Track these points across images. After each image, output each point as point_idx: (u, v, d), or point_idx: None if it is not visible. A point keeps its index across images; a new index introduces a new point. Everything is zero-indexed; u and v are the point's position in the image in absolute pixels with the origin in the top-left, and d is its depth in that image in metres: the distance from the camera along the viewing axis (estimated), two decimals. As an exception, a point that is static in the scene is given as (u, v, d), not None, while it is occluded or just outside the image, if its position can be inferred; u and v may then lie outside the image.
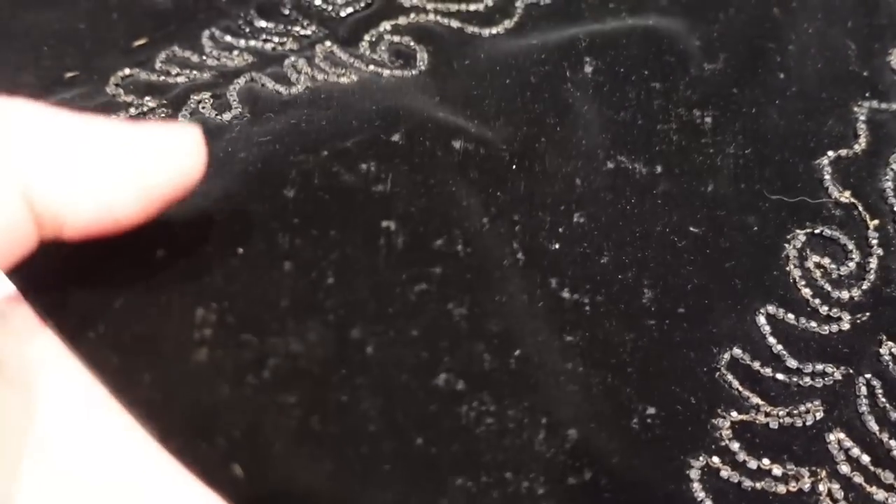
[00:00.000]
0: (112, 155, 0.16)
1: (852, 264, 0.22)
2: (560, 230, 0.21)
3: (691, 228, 0.22)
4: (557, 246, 0.21)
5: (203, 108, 0.24)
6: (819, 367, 0.20)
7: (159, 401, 0.16)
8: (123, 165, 0.16)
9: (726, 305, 0.21)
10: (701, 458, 0.18)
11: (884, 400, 0.19)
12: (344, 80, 0.24)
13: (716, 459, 0.19)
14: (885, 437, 0.19)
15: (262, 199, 0.19)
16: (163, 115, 0.24)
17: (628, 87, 0.24)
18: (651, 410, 0.19)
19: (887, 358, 0.20)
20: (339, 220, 0.19)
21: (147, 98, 0.24)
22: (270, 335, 0.17)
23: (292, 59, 0.25)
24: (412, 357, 0.18)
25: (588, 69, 0.24)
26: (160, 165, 0.17)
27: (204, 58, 0.26)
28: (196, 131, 0.18)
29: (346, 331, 0.18)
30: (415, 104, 0.23)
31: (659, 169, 0.23)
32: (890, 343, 0.20)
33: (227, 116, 0.23)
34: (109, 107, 0.24)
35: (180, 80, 0.25)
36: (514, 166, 0.22)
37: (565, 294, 0.20)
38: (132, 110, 0.24)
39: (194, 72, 0.25)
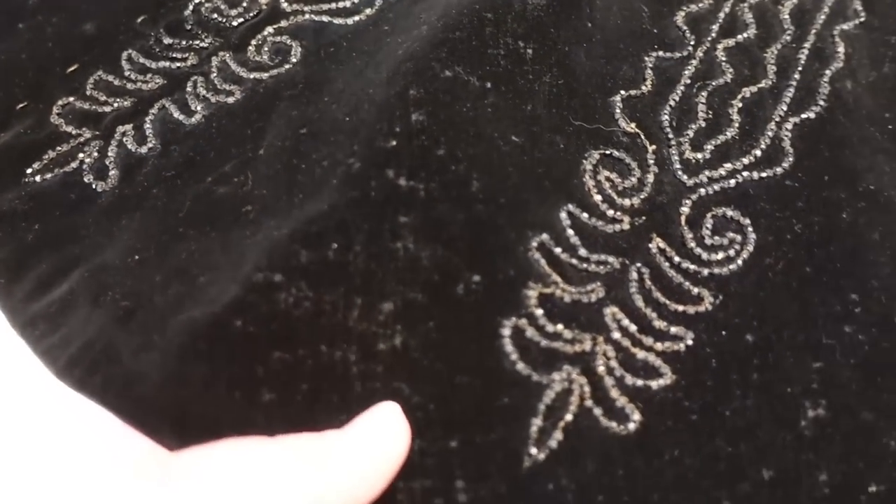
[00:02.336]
0: (349, 463, 0.18)
1: (634, 179, 0.27)
2: (397, 129, 0.25)
3: (513, 137, 0.26)
4: (394, 143, 0.25)
5: (126, 139, 0.27)
6: (603, 257, 0.25)
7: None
8: (358, 469, 0.18)
9: (538, 200, 0.25)
10: (512, 320, 0.23)
11: (649, 283, 0.25)
12: (230, 99, 0.28)
13: (523, 321, 0.23)
14: (648, 310, 0.24)
15: (163, 220, 0.25)
16: (97, 147, 0.27)
17: (463, 16, 0.28)
18: (476, 278, 0.23)
19: (655, 251, 0.25)
20: (219, 223, 0.25)
21: (84, 129, 0.28)
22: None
23: (193, 80, 0.28)
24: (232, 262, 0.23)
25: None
26: (382, 454, 0.19)
27: (124, 81, 0.29)
28: (395, 408, 0.20)
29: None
30: (280, 121, 0.27)
31: (489, 85, 0.27)
32: (658, 240, 0.25)
33: (143, 150, 0.27)
34: (56, 139, 0.27)
35: (107, 108, 0.28)
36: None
37: (401, 182, 0.24)
38: (73, 141, 0.27)
39: (117, 99, 0.28)
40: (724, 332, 0.24)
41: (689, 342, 0.24)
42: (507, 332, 0.23)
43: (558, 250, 0.24)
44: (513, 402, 0.22)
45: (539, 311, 0.23)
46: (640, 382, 0.23)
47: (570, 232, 0.25)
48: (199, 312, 0.22)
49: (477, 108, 0.26)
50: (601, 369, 0.23)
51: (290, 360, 0.21)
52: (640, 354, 0.23)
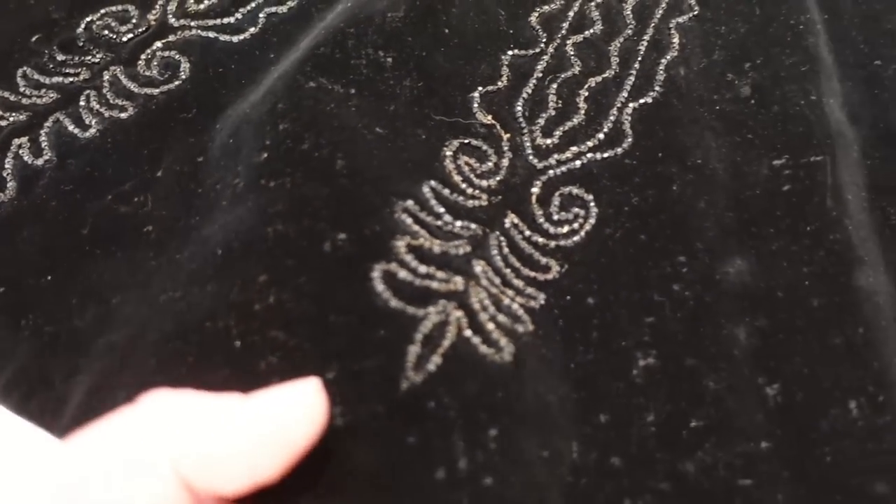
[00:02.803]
0: (246, 427, 0.19)
1: (490, 164, 0.29)
2: (267, 142, 0.27)
3: (377, 129, 0.29)
4: (266, 155, 0.27)
5: (22, 152, 0.29)
6: (466, 223, 0.27)
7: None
8: (257, 434, 0.19)
9: (402, 176, 0.27)
10: (382, 264, 0.25)
11: (506, 250, 0.27)
12: (124, 115, 0.30)
13: (394, 265, 0.25)
14: (507, 271, 0.27)
15: (68, 237, 0.27)
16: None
17: (328, 32, 0.31)
18: (342, 235, 0.25)
19: (509, 226, 0.28)
20: (122, 242, 0.27)
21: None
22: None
23: (86, 94, 0.30)
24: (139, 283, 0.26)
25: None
26: (289, 425, 0.19)
27: (19, 97, 0.31)
28: (315, 384, 0.20)
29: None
30: (177, 146, 0.29)
31: (352, 90, 0.29)
32: (512, 216, 0.28)
33: (40, 162, 0.29)
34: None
35: (3, 122, 0.30)
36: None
37: (271, 184, 0.26)
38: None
39: (13, 114, 0.30)
40: (568, 297, 0.27)
41: (542, 302, 0.26)
42: (376, 274, 0.25)
43: (423, 214, 0.27)
44: (388, 334, 0.24)
45: (409, 257, 0.26)
46: (509, 323, 0.26)
47: (434, 202, 0.28)
48: (117, 335, 0.25)
49: (340, 108, 0.29)
50: (476, 306, 0.25)
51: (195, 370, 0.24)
52: (506, 301, 0.26)
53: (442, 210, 0.27)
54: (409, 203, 0.27)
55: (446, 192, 0.28)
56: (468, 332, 0.25)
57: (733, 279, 0.27)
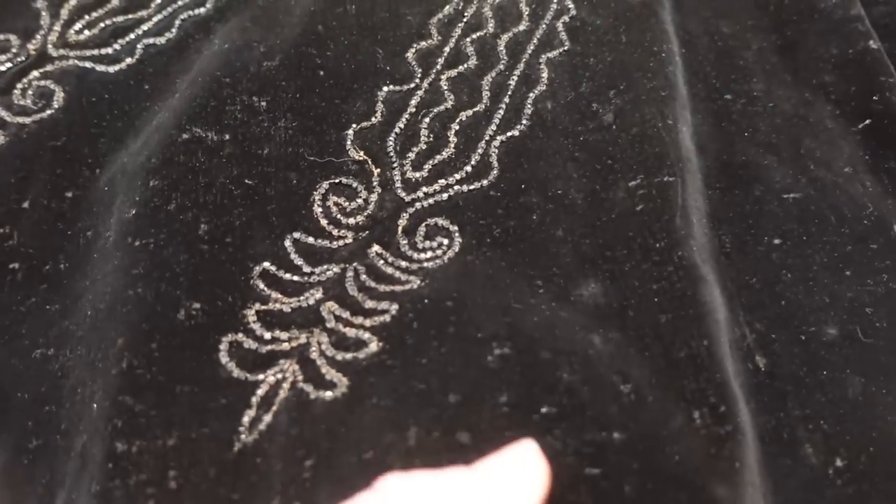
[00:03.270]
0: (484, 499, 0.20)
1: (360, 200, 0.31)
2: (137, 198, 0.28)
3: (246, 181, 0.30)
4: (134, 211, 0.28)
5: None
6: (325, 267, 0.29)
7: None
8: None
9: (264, 235, 0.29)
10: (229, 336, 0.27)
11: (364, 276, 0.29)
12: None
13: (240, 336, 0.27)
14: (360, 296, 0.28)
15: None
16: None
17: (205, 82, 0.32)
18: (196, 305, 0.27)
19: (373, 255, 0.29)
20: None
21: None
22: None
23: None
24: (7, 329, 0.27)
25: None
26: (519, 491, 0.20)
27: None
28: (533, 448, 0.21)
29: None
30: (44, 175, 0.30)
31: (227, 137, 0.31)
32: (376, 247, 0.29)
33: None
34: None
35: None
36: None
37: (136, 244, 0.27)
38: None
39: None
40: (426, 301, 0.28)
41: (394, 312, 0.27)
42: (223, 346, 0.26)
43: (281, 272, 0.28)
44: (228, 402, 0.25)
45: (257, 325, 0.27)
46: (349, 356, 0.27)
47: (294, 255, 0.29)
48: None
49: (212, 160, 0.30)
50: (314, 354, 0.27)
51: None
52: (351, 332, 0.27)
53: (302, 262, 0.29)
54: (266, 265, 0.28)
55: (310, 240, 0.29)
56: (301, 384, 0.26)
57: (587, 300, 0.28)
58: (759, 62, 0.34)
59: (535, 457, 0.21)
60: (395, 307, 0.28)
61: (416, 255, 0.29)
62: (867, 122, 0.32)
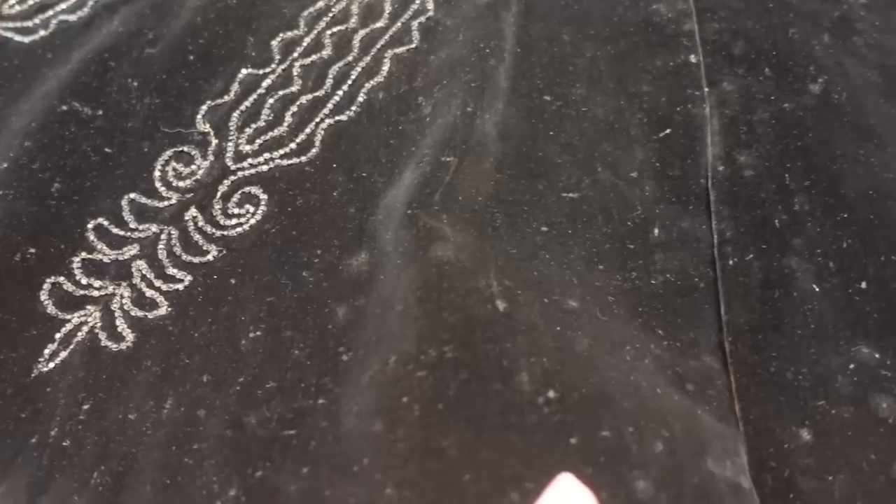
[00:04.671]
0: None
1: (193, 166, 0.35)
2: (11, 154, 0.34)
3: (106, 149, 0.35)
4: (5, 165, 0.33)
5: None
6: (147, 226, 0.33)
7: None
8: None
9: (107, 195, 0.33)
10: (53, 277, 0.32)
11: (175, 241, 0.33)
12: None
13: (62, 278, 0.32)
14: (166, 261, 0.32)
15: None
16: None
17: (90, 62, 0.37)
18: (32, 250, 0.32)
19: (188, 219, 0.33)
20: None
21: None
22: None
23: None
24: None
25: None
26: None
27: None
28: (570, 478, 0.22)
29: None
30: None
31: (100, 112, 0.35)
32: (194, 209, 0.34)
33: None
34: None
35: None
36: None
37: None
38: None
39: None
40: (214, 277, 0.32)
41: (187, 282, 0.32)
42: (46, 286, 0.31)
43: (112, 227, 0.33)
44: (38, 334, 0.30)
45: (79, 271, 0.32)
46: (141, 314, 0.31)
47: (126, 213, 0.33)
48: None
49: (81, 131, 0.35)
50: (115, 306, 0.31)
51: None
52: (149, 293, 0.32)
53: (132, 219, 0.33)
54: (101, 220, 0.33)
55: (143, 199, 0.34)
56: (98, 330, 0.31)
57: (353, 269, 0.31)
58: (588, 69, 0.36)
59: (580, 489, 0.22)
60: (189, 278, 0.32)
61: (223, 221, 0.33)
62: (668, 131, 0.34)
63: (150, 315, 0.31)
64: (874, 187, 0.31)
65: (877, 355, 0.28)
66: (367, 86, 0.37)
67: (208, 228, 0.33)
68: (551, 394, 0.26)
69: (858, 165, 0.32)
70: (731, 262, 0.30)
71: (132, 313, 0.31)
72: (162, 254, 0.33)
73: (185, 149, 0.35)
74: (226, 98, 0.37)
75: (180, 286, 0.32)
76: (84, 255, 0.32)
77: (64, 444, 0.28)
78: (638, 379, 0.27)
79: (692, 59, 0.35)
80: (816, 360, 0.28)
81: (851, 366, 0.28)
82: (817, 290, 0.29)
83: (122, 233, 0.33)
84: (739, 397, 0.27)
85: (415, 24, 0.38)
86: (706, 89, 0.35)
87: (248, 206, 0.34)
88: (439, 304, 0.28)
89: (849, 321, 0.29)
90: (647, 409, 0.26)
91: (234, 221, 0.33)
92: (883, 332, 0.28)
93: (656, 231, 0.31)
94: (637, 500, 0.23)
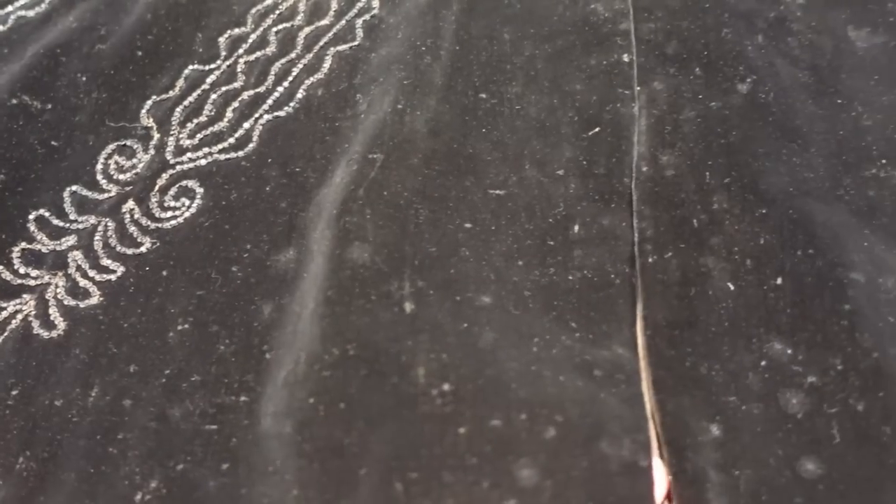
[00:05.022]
0: None
1: (135, 160, 0.36)
2: None
3: (53, 142, 0.36)
4: None
5: None
6: (86, 217, 0.34)
7: None
8: None
9: (51, 186, 0.34)
10: None
11: (111, 233, 0.34)
12: None
13: (1, 268, 0.32)
14: (101, 252, 0.33)
15: None
16: None
17: (41, 57, 0.38)
18: None
19: (125, 211, 0.34)
20: None
21: None
22: None
23: None
24: None
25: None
26: None
27: None
28: None
29: None
30: None
31: (49, 106, 0.36)
32: (131, 202, 0.34)
33: None
34: None
35: None
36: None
37: None
38: None
39: None
40: (147, 268, 0.33)
41: (120, 273, 0.32)
42: None
43: (53, 218, 0.34)
44: None
45: (18, 260, 0.33)
46: (73, 303, 0.32)
47: (68, 203, 0.34)
48: None
49: (29, 124, 0.36)
50: (49, 295, 0.32)
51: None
52: (83, 283, 0.32)
53: (73, 210, 0.34)
54: (42, 211, 0.34)
55: (85, 192, 0.34)
56: (31, 318, 0.31)
57: (281, 266, 0.32)
58: (525, 68, 0.36)
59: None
60: (122, 269, 0.33)
61: (159, 214, 0.34)
62: (597, 129, 0.34)
63: (81, 304, 0.32)
64: (795, 185, 0.31)
65: (789, 351, 0.28)
66: (308, 82, 0.37)
67: (144, 221, 0.34)
68: (446, 386, 0.26)
69: (780, 164, 0.32)
70: (650, 260, 0.30)
71: (65, 302, 0.32)
72: (98, 245, 0.33)
73: (128, 143, 0.36)
74: (171, 93, 0.37)
75: (113, 277, 0.33)
76: (24, 245, 0.33)
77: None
78: (540, 368, 0.27)
79: (625, 58, 0.36)
80: (729, 357, 0.28)
81: (763, 362, 0.28)
82: (732, 288, 0.29)
83: (61, 224, 0.34)
84: (657, 390, 0.28)
85: (359, 21, 0.39)
86: (637, 88, 0.35)
87: (184, 199, 0.34)
88: (349, 307, 0.29)
89: (762, 318, 0.29)
90: (543, 395, 0.26)
91: (169, 214, 0.34)
92: (795, 327, 0.28)
93: (576, 228, 0.32)
94: (520, 489, 0.24)
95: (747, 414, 0.27)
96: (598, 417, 0.26)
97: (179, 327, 0.31)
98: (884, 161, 0.32)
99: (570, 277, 0.31)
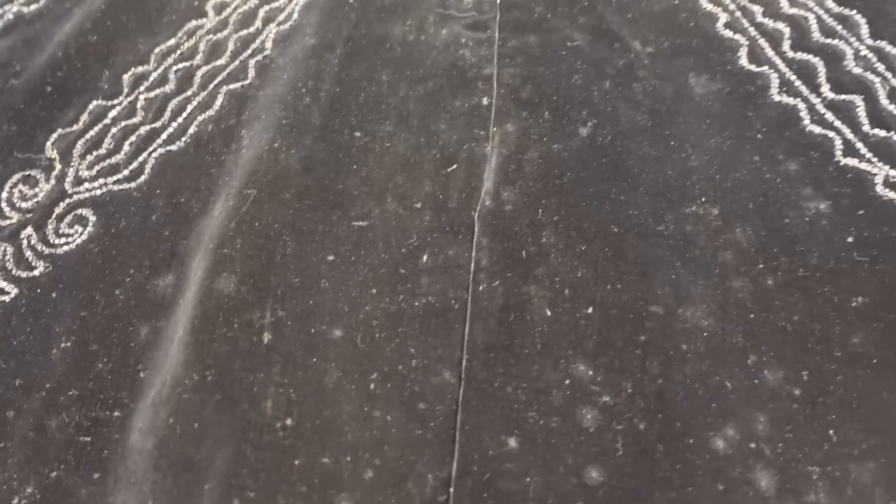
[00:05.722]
0: None
1: (36, 189, 0.39)
2: None
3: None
4: None
5: None
6: (-13, 239, 0.37)
7: None
8: None
9: None
10: None
11: (9, 256, 0.37)
12: None
13: None
14: (9, 273, 0.36)
15: None
16: None
17: None
18: None
19: (23, 236, 0.37)
20: None
21: None
22: None
23: None
24: None
25: None
26: None
27: None
28: None
29: None
30: None
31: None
32: (30, 229, 0.38)
33: None
34: None
35: None
36: None
37: None
38: None
39: None
40: (39, 290, 0.36)
41: (14, 294, 0.36)
42: None
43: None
44: None
45: None
46: None
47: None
48: None
49: None
50: None
51: None
52: None
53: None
54: None
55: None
56: None
57: (160, 291, 0.35)
58: (398, 108, 0.40)
59: None
60: (15, 290, 0.36)
61: (54, 240, 0.37)
62: (454, 166, 0.37)
63: (-19, 320, 0.35)
64: (618, 223, 0.35)
65: (590, 372, 0.31)
66: (200, 118, 0.40)
67: (40, 246, 0.37)
68: (289, 421, 0.30)
69: (607, 202, 0.35)
70: (480, 288, 0.34)
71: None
72: (-6, 268, 0.37)
73: (33, 173, 0.39)
74: (75, 127, 0.41)
75: (6, 298, 0.36)
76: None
77: None
78: (371, 409, 0.31)
79: (485, 101, 0.39)
80: (537, 377, 0.31)
81: (567, 381, 0.31)
82: (549, 314, 0.33)
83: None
84: (463, 410, 0.31)
85: (252, 62, 0.42)
86: (493, 129, 0.38)
87: (77, 226, 0.38)
88: (212, 336, 0.32)
89: (572, 342, 0.32)
90: (368, 439, 0.30)
91: (63, 240, 0.37)
92: (598, 352, 0.32)
93: (425, 257, 0.35)
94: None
95: (545, 427, 0.30)
96: (409, 458, 0.30)
97: (63, 345, 0.34)
98: (703, 199, 0.35)
99: (416, 304, 0.34)
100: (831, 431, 0.30)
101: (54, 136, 0.40)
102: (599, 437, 0.30)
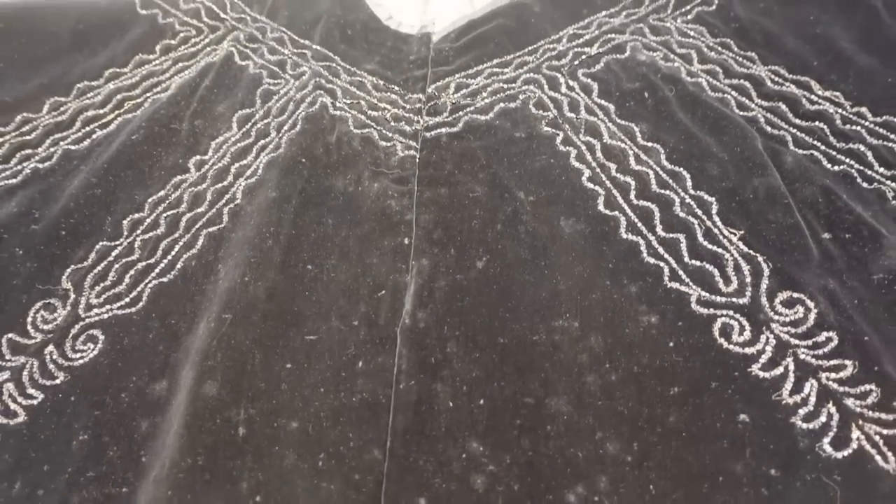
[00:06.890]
0: None
1: (55, 314, 0.49)
2: None
3: (-12, 299, 0.49)
4: None
5: None
6: (18, 357, 0.47)
7: None
8: None
9: None
10: None
11: (35, 370, 0.47)
12: None
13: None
14: (27, 382, 0.46)
15: None
16: None
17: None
18: None
19: (47, 352, 0.47)
20: None
21: None
22: None
23: None
24: None
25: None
26: None
27: None
28: None
29: None
30: None
31: (-14, 272, 0.50)
32: (52, 346, 0.48)
33: None
34: None
35: None
36: None
37: None
38: None
39: None
40: (60, 395, 0.46)
41: (40, 399, 0.45)
42: None
43: (-10, 353, 0.47)
44: None
45: None
46: (5, 421, 0.45)
47: (5, 347, 0.47)
48: None
49: None
50: None
51: None
52: (12, 406, 0.45)
53: (7, 353, 0.47)
54: None
55: (17, 339, 0.48)
56: None
57: (156, 394, 0.45)
58: (341, 245, 0.51)
59: None
60: (41, 396, 0.46)
61: (71, 355, 0.47)
62: (383, 292, 0.49)
63: (11, 422, 0.45)
64: (503, 335, 0.46)
65: (481, 448, 0.42)
66: (185, 256, 0.51)
67: (60, 360, 0.47)
68: (258, 498, 0.40)
69: (496, 320, 0.47)
70: (401, 387, 0.45)
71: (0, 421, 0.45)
72: (25, 378, 0.46)
73: (52, 301, 0.49)
74: (85, 263, 0.51)
75: (34, 402, 0.45)
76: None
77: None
78: (319, 482, 0.41)
79: (406, 241, 0.51)
80: (442, 452, 0.42)
81: (463, 455, 0.42)
82: (451, 405, 0.44)
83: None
84: (387, 479, 0.42)
85: (226, 209, 0.54)
86: (413, 263, 0.50)
87: (89, 343, 0.48)
88: (200, 429, 0.43)
89: (467, 426, 0.43)
90: None
91: (78, 355, 0.47)
92: (487, 433, 0.43)
93: (360, 363, 0.46)
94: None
95: (447, 490, 0.41)
96: None
97: (81, 437, 0.44)
98: (567, 315, 0.47)
99: (354, 399, 0.45)
100: (651, 487, 0.41)
101: (68, 270, 0.51)
102: (486, 497, 0.41)
